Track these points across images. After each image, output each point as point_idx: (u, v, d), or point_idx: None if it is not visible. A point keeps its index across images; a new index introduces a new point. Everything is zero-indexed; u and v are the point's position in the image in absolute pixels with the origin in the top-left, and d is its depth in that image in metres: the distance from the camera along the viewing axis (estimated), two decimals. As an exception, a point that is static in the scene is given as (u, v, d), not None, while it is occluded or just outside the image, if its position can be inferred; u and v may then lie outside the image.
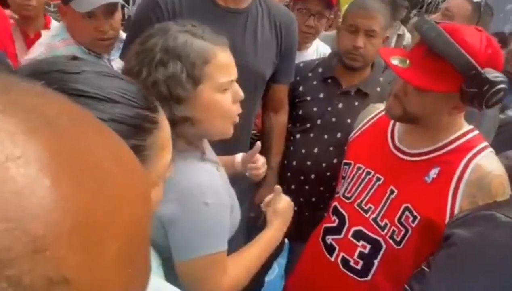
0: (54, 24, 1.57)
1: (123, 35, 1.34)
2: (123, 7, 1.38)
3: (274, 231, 0.99)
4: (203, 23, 1.22)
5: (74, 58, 0.47)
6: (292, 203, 1.07)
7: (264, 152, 1.50)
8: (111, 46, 1.31)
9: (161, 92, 0.75)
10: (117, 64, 1.32)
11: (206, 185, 0.80)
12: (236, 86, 0.84)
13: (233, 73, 0.82)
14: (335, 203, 1.11)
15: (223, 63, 0.80)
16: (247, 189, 1.45)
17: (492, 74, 0.82)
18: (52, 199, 0.17)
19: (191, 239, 0.80)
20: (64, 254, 0.17)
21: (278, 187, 1.06)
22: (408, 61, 0.89)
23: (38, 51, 1.23)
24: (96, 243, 0.18)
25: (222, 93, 0.81)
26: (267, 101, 1.44)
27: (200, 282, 0.83)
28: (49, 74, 0.42)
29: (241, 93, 0.86)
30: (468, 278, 0.72)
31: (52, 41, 1.25)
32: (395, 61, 0.88)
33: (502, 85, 0.84)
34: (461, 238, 0.75)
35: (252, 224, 1.34)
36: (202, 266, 0.81)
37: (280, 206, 1.02)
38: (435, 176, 0.93)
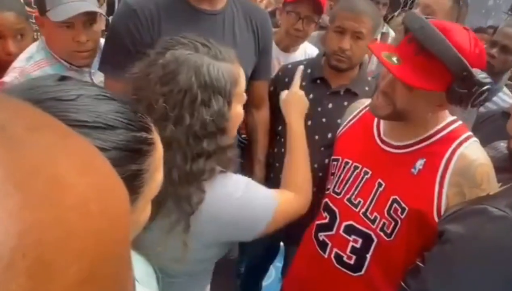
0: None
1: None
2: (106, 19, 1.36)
3: (294, 122, 1.12)
4: (182, 27, 1.22)
5: (62, 78, 0.44)
6: (296, 90, 1.19)
7: (251, 147, 1.54)
8: (91, 59, 1.28)
9: (210, 131, 0.76)
10: (100, 77, 1.29)
11: (233, 182, 0.85)
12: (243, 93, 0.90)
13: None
14: (326, 199, 1.12)
15: (243, 78, 0.85)
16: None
17: (481, 75, 0.84)
18: None
19: (254, 222, 0.88)
20: (4, 280, 0.14)
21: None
22: (398, 58, 0.89)
23: (12, 76, 1.19)
24: (47, 266, 0.15)
25: (240, 104, 0.86)
26: (248, 98, 1.46)
27: (285, 220, 0.94)
28: (42, 104, 0.39)
29: (245, 97, 0.91)
30: (463, 273, 0.72)
31: (25, 64, 1.21)
32: (386, 57, 0.89)
33: (489, 86, 0.85)
34: (454, 234, 0.75)
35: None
36: (277, 220, 0.90)
37: (285, 96, 1.16)
38: (421, 167, 0.94)
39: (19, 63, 1.22)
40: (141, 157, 0.45)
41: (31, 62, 1.22)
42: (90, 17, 1.21)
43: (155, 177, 0.48)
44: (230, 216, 0.83)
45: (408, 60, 0.88)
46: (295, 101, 1.17)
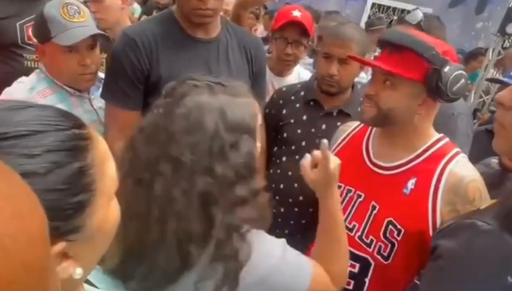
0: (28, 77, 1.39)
1: (101, 74, 1.35)
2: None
3: (330, 203, 0.86)
4: (179, 56, 1.25)
5: None
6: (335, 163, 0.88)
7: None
8: (93, 82, 1.32)
9: (242, 175, 0.69)
10: (98, 102, 1.33)
11: (269, 239, 0.75)
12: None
13: None
14: (321, 224, 1.11)
15: (259, 111, 0.78)
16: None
17: (452, 63, 0.90)
18: None
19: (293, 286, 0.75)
20: None
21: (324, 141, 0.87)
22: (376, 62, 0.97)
23: None
24: None
25: (259, 140, 0.77)
26: None
27: None
28: None
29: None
30: (456, 288, 0.72)
31: (28, 96, 1.21)
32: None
33: (462, 71, 0.90)
34: (446, 249, 0.76)
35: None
36: (314, 288, 0.76)
37: (323, 173, 0.86)
38: (412, 187, 0.94)
39: (21, 95, 1.22)
40: (79, 153, 0.44)
41: (34, 93, 1.23)
42: (92, 41, 1.26)
43: (106, 171, 0.47)
44: (272, 276, 0.72)
45: (384, 60, 0.94)
46: (329, 177, 0.87)
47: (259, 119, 0.76)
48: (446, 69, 0.88)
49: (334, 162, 0.87)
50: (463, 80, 0.90)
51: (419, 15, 1.69)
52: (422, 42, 0.91)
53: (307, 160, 0.89)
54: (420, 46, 0.90)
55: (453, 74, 0.88)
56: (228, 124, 0.69)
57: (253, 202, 0.71)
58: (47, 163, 0.40)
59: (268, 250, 0.73)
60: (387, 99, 0.95)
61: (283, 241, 0.78)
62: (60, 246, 0.40)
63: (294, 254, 0.78)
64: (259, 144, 0.77)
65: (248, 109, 0.73)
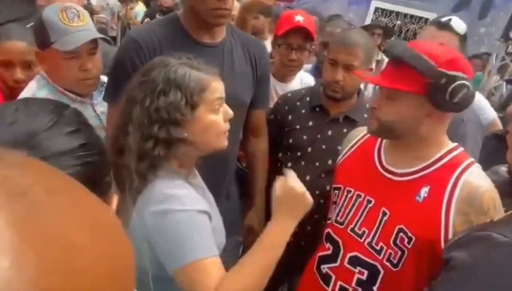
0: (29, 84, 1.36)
1: (104, 78, 1.34)
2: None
3: (276, 223, 0.90)
4: None
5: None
6: (297, 186, 0.93)
7: (251, 176, 1.53)
8: (95, 86, 1.30)
9: (162, 117, 0.86)
10: (101, 107, 1.32)
11: (179, 195, 0.85)
12: (226, 107, 0.94)
13: (223, 93, 0.93)
14: (328, 230, 1.09)
15: (216, 89, 0.91)
16: (237, 219, 1.45)
17: (450, 71, 0.88)
18: (8, 282, 0.15)
19: (171, 248, 0.82)
20: None
21: (288, 170, 0.97)
22: (379, 74, 0.97)
23: None
24: None
25: (216, 114, 0.91)
26: (247, 127, 1.48)
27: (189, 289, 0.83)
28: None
29: (231, 112, 0.94)
30: None
31: None
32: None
33: (463, 81, 0.88)
34: (460, 261, 0.74)
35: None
36: (188, 273, 0.81)
37: (279, 192, 0.92)
38: (425, 195, 0.92)
39: None
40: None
41: None
42: (93, 46, 1.25)
43: None
44: (170, 218, 0.82)
45: (388, 73, 0.94)
46: (291, 199, 0.92)
47: (211, 94, 0.90)
48: (442, 82, 0.87)
49: (291, 192, 0.93)
50: (465, 89, 0.88)
51: (464, 24, 1.60)
52: (419, 56, 0.88)
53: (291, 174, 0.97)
54: (415, 60, 0.88)
55: (452, 86, 0.87)
56: (166, 76, 0.87)
57: (170, 146, 0.87)
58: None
59: (186, 198, 0.85)
60: (387, 112, 0.95)
61: (206, 212, 0.86)
62: None
63: (204, 228, 0.85)
64: (216, 119, 0.91)
65: (196, 77, 0.88)
